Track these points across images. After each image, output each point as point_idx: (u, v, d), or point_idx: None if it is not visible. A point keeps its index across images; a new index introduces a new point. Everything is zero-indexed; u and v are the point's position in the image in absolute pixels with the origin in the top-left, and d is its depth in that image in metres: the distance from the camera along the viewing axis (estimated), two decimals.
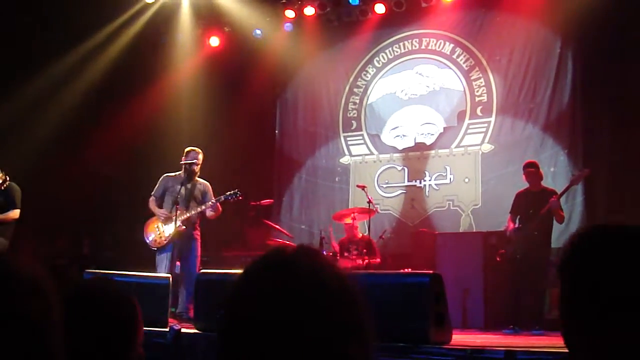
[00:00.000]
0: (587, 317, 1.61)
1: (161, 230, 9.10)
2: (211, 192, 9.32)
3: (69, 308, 2.05)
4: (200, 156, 9.29)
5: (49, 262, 12.65)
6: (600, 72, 10.56)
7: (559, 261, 1.71)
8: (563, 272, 1.70)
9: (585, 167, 10.34)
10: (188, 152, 9.30)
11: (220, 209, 9.25)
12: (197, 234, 9.24)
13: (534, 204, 8.92)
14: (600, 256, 1.62)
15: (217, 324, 1.46)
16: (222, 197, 9.19)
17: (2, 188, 9.04)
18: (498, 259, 9.27)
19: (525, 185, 9.17)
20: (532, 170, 9.15)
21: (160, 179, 9.39)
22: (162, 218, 9.12)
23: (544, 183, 9.21)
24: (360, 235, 10.56)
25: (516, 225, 9.07)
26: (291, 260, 1.43)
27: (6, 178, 9.08)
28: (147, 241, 9.21)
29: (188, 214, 9.05)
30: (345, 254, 10.21)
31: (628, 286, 1.57)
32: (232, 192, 9.20)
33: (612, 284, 1.58)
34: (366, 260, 9.97)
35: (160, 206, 9.27)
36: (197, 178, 9.33)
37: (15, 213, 9.12)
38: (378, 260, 10.20)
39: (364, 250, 10.12)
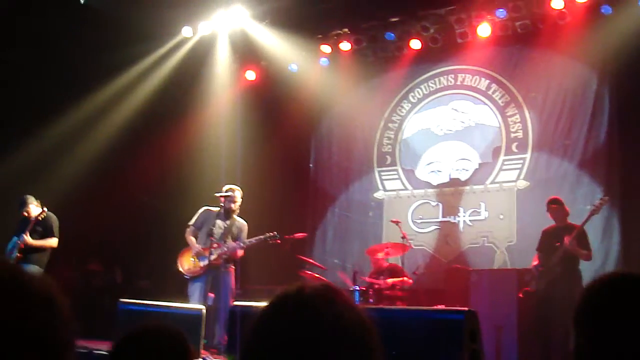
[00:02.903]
0: None
1: (196, 260, 9.19)
2: (246, 233, 9.40)
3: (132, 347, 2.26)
4: (239, 194, 9.38)
5: (81, 291, 12.77)
6: (637, 109, 10.47)
7: (575, 311, 1.63)
8: (579, 323, 1.61)
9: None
10: (227, 190, 9.38)
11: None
12: (232, 268, 9.30)
13: (557, 239, 8.88)
14: (620, 309, 1.54)
15: None
16: (262, 237, 9.25)
17: (40, 218, 9.27)
18: (520, 295, 9.22)
19: None
20: (554, 206, 9.13)
21: (201, 211, 9.48)
22: (195, 252, 9.20)
23: (579, 220, 9.11)
24: (387, 264, 10.54)
25: (541, 262, 9.04)
26: (309, 305, 1.43)
27: (44, 209, 9.32)
28: (182, 269, 9.29)
29: (224, 249, 9.12)
30: (376, 287, 10.17)
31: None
32: (271, 234, 9.26)
33: (632, 339, 1.49)
34: (397, 292, 9.99)
35: (196, 237, 9.35)
36: (235, 217, 9.41)
37: (53, 241, 9.36)
38: (408, 280, 10.15)
39: (391, 276, 10.15)
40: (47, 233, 9.34)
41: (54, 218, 9.45)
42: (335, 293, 1.48)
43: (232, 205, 9.30)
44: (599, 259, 10.20)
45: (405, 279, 10.18)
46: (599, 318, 1.57)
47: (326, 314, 1.40)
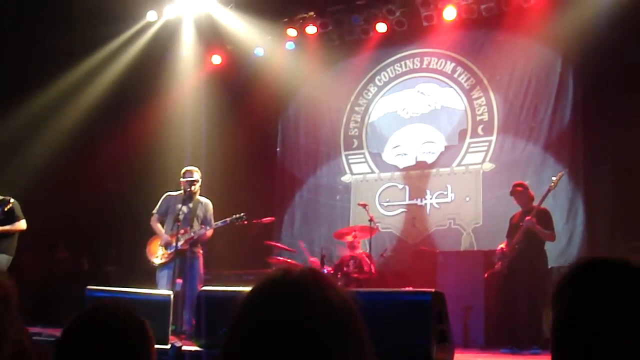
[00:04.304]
0: (574, 350, 1.54)
1: (164, 249, 9.12)
2: (211, 212, 9.31)
3: (84, 330, 1.96)
4: (197, 175, 9.27)
5: (48, 278, 12.66)
6: (601, 92, 10.57)
7: (555, 287, 1.64)
8: (557, 300, 1.62)
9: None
10: (185, 172, 9.29)
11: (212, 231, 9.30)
12: (199, 252, 9.24)
13: (521, 222, 8.89)
14: (597, 292, 1.55)
15: (221, 349, 1.45)
16: (228, 220, 9.18)
17: (6, 209, 9.09)
18: (485, 275, 9.31)
19: None
20: (519, 189, 9.12)
21: (163, 198, 9.38)
22: (164, 242, 9.12)
23: (545, 203, 9.18)
24: (360, 251, 10.57)
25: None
26: (298, 287, 1.43)
27: (9, 200, 9.11)
28: (150, 258, 9.22)
29: (191, 234, 9.05)
30: (345, 269, 10.20)
31: (619, 326, 1.50)
32: (237, 215, 9.20)
33: (604, 322, 1.51)
34: (365, 275, 10.01)
35: (162, 224, 9.27)
36: (198, 197, 9.32)
37: (22, 223, 9.16)
38: (373, 271, 10.17)
39: (363, 267, 10.15)
40: (12, 218, 9.15)
41: (15, 202, 9.25)
42: (321, 276, 1.48)
43: (192, 187, 9.20)
44: (564, 239, 10.32)
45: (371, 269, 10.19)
46: (571, 298, 1.58)
47: (314, 296, 1.40)
